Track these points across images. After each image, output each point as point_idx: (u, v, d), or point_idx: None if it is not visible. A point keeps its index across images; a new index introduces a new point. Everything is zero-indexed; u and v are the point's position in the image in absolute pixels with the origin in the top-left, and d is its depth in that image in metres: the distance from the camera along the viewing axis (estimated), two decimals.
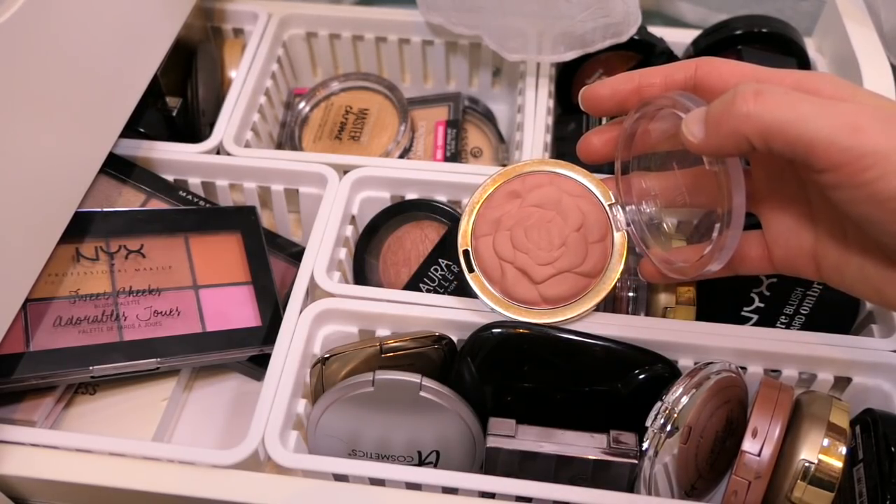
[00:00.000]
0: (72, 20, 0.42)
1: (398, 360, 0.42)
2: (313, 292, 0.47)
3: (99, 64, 0.45)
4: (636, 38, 0.55)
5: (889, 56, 0.54)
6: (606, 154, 0.41)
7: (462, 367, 0.41)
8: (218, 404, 0.50)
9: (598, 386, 0.41)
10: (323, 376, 0.42)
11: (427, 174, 0.51)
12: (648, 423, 0.38)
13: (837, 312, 0.46)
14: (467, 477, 0.39)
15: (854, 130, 0.29)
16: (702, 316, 0.44)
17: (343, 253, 0.50)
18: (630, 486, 0.40)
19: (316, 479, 0.40)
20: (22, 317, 0.44)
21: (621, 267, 0.41)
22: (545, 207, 0.42)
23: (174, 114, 0.58)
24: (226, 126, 0.55)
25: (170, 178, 0.54)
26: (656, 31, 0.58)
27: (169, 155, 0.54)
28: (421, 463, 0.43)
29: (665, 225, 0.42)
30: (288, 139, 0.61)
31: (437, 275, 0.49)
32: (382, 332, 0.45)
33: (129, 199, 0.52)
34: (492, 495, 0.39)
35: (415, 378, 0.40)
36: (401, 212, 0.51)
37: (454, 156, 0.60)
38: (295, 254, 0.55)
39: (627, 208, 0.42)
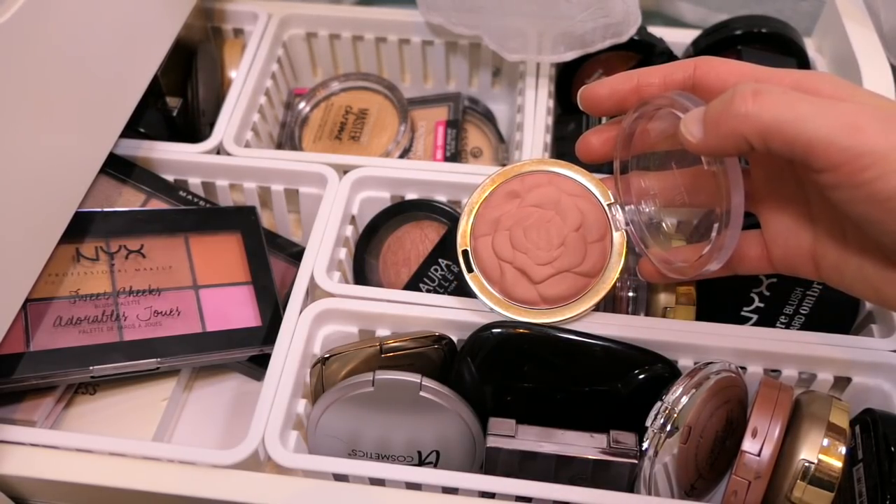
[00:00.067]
0: (72, 20, 0.42)
1: (398, 360, 0.42)
2: (313, 292, 0.47)
3: (99, 64, 0.45)
4: (636, 38, 0.55)
5: (889, 56, 0.54)
6: (605, 154, 0.41)
7: (462, 367, 0.41)
8: (218, 404, 0.50)
9: (598, 386, 0.41)
10: (323, 376, 0.42)
11: (427, 174, 0.51)
12: (648, 423, 0.38)
13: (837, 312, 0.46)
14: (467, 477, 0.39)
15: (853, 130, 0.29)
16: (702, 316, 0.44)
17: (343, 253, 0.50)
18: (630, 486, 0.40)
19: (316, 479, 0.40)
20: (22, 317, 0.44)
21: (620, 266, 0.41)
22: (544, 207, 0.42)
23: (174, 114, 0.58)
24: (226, 126, 0.55)
25: (170, 178, 0.54)
26: (656, 31, 0.58)
27: (169, 155, 0.54)
28: (421, 463, 0.43)
29: (664, 225, 0.42)
30: (288, 139, 0.61)
31: (437, 275, 0.49)
32: (382, 332, 0.45)
33: (129, 199, 0.52)
34: (492, 495, 0.39)
35: (415, 378, 0.40)
36: (401, 212, 0.51)
37: (454, 156, 0.60)
38: (295, 254, 0.55)
39: (626, 208, 0.42)
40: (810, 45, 0.59)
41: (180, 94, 0.58)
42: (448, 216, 0.50)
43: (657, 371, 0.41)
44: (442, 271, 0.49)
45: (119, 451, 0.40)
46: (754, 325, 0.46)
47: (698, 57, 0.37)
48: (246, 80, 0.58)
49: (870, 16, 0.57)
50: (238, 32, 0.65)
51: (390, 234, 0.52)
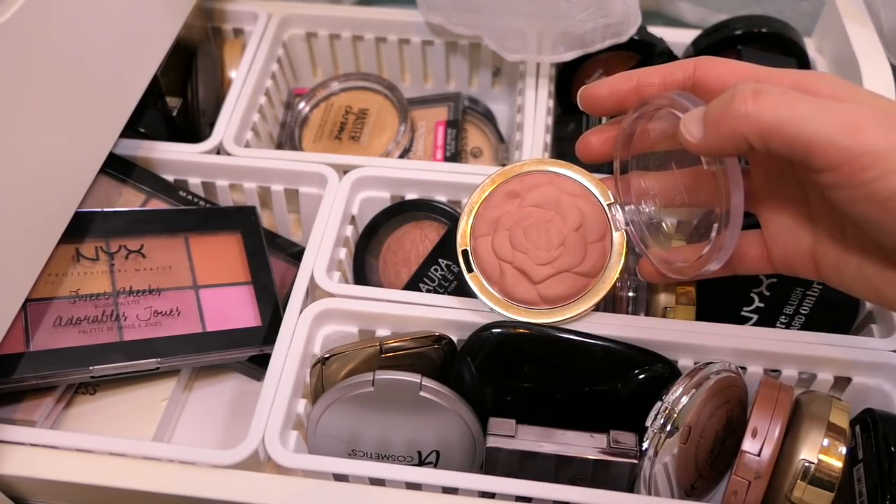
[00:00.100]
0: (72, 20, 0.42)
1: (398, 360, 0.42)
2: (313, 292, 0.47)
3: (99, 64, 0.45)
4: (636, 38, 0.55)
5: (889, 56, 0.54)
6: (605, 154, 0.41)
7: (462, 367, 0.41)
8: (218, 404, 0.50)
9: (598, 386, 0.41)
10: (323, 376, 0.42)
11: (427, 174, 0.51)
12: (648, 423, 0.38)
13: (837, 312, 0.46)
14: (467, 477, 0.39)
15: (853, 130, 0.29)
16: (702, 316, 0.44)
17: (343, 253, 0.50)
18: (630, 486, 0.40)
19: (316, 479, 0.40)
20: (22, 317, 0.44)
21: (620, 266, 0.41)
22: (544, 207, 0.42)
23: (174, 114, 0.58)
24: (226, 126, 0.55)
25: (170, 178, 0.54)
26: (656, 31, 0.58)
27: (169, 155, 0.54)
28: (421, 463, 0.43)
29: (664, 225, 0.42)
30: (288, 139, 0.61)
31: (437, 275, 0.49)
32: (382, 332, 0.45)
33: (129, 199, 0.52)
34: (492, 495, 0.39)
35: (415, 378, 0.40)
36: (401, 212, 0.51)
37: (454, 156, 0.60)
38: (295, 254, 0.55)
39: (626, 208, 0.42)
40: (810, 45, 0.59)
41: (180, 94, 0.58)
42: (448, 216, 0.50)
43: (657, 371, 0.41)
44: (442, 271, 0.49)
45: (119, 451, 0.40)
46: (754, 325, 0.46)
47: (698, 57, 0.37)
48: (246, 80, 0.58)
49: (870, 16, 0.57)
50: (238, 32, 0.65)
51: (390, 234, 0.52)
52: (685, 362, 0.42)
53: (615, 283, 0.41)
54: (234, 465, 0.39)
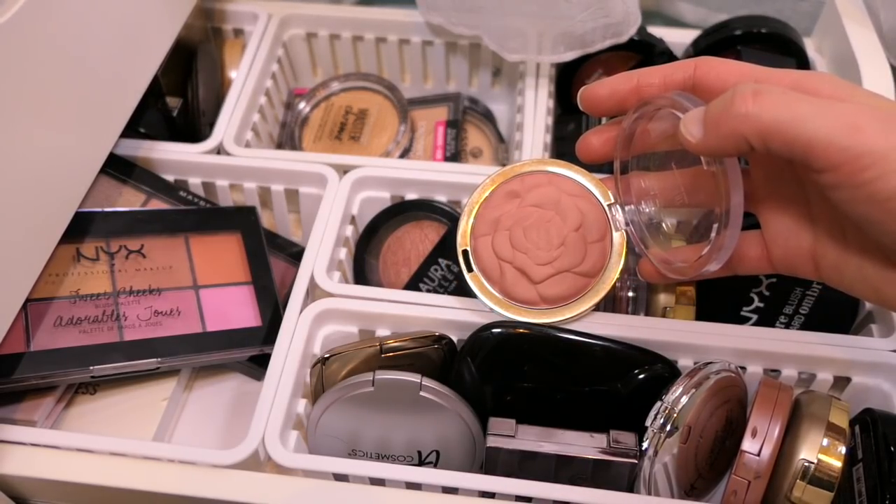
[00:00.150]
0: (72, 20, 0.42)
1: (398, 360, 0.42)
2: (313, 292, 0.47)
3: (99, 64, 0.45)
4: (636, 38, 0.55)
5: (888, 56, 0.54)
6: (605, 154, 0.41)
7: (462, 367, 0.41)
8: (218, 404, 0.50)
9: (598, 386, 0.41)
10: (323, 376, 0.42)
11: (427, 174, 0.51)
12: (648, 422, 0.38)
13: (837, 312, 0.46)
14: (467, 477, 0.39)
15: (853, 130, 0.29)
16: (701, 316, 0.44)
17: (343, 253, 0.50)
18: (630, 486, 0.40)
19: (316, 479, 0.40)
20: (22, 317, 0.44)
21: (620, 266, 0.41)
22: (544, 207, 0.42)
23: (174, 114, 0.58)
24: (226, 126, 0.55)
25: (170, 178, 0.54)
26: (656, 31, 0.59)
27: (169, 155, 0.54)
28: (421, 463, 0.43)
29: (664, 225, 0.42)
30: (288, 139, 0.61)
31: (437, 275, 0.49)
32: (382, 332, 0.45)
33: (130, 199, 0.52)
34: (492, 495, 0.39)
35: (415, 378, 0.40)
36: (401, 212, 0.51)
37: (454, 156, 0.60)
38: (295, 254, 0.55)
39: (626, 208, 0.42)
40: (810, 45, 0.59)
41: (180, 94, 0.58)
42: (448, 216, 0.50)
43: (657, 371, 0.41)
44: (442, 271, 0.49)
45: (119, 451, 0.40)
46: (754, 325, 0.46)
47: (698, 57, 0.37)
48: (246, 80, 0.58)
49: (870, 16, 0.57)
50: (238, 32, 0.65)
51: (390, 234, 0.52)
52: (685, 362, 0.42)
53: (615, 283, 0.41)
54: (235, 465, 0.39)
